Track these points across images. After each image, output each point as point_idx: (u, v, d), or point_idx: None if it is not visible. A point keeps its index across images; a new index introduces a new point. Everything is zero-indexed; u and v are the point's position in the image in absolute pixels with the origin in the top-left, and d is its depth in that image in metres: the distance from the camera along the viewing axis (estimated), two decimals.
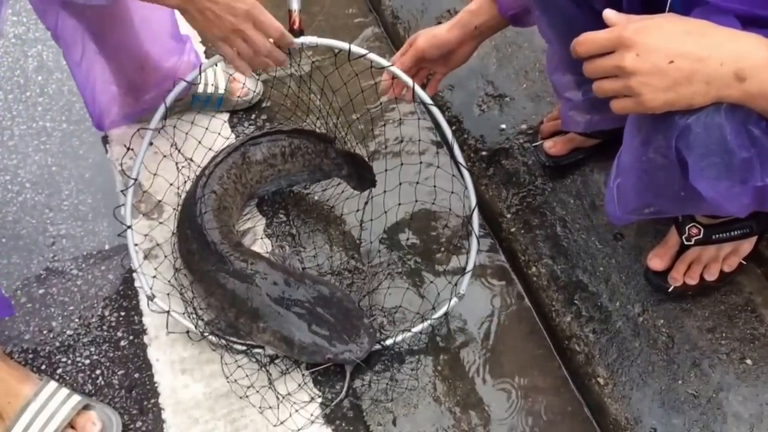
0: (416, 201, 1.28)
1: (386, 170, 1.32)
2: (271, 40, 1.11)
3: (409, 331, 1.21)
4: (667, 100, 0.78)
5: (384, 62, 1.18)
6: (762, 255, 1.20)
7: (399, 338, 1.21)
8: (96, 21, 1.26)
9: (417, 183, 1.27)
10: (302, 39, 1.15)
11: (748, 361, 1.12)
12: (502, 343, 1.26)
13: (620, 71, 0.79)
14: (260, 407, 1.16)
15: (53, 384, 1.13)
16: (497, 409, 1.19)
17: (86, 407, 1.13)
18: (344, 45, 1.16)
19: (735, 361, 1.12)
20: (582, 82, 1.14)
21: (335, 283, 1.27)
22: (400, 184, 1.31)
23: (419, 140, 1.31)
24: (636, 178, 0.94)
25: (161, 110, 1.20)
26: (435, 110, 1.17)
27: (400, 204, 1.33)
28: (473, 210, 1.19)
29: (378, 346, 1.20)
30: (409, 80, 1.16)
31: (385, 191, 1.31)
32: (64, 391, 1.13)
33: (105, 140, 1.51)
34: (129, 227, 1.23)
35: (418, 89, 1.16)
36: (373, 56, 1.17)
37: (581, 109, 1.18)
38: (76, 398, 1.13)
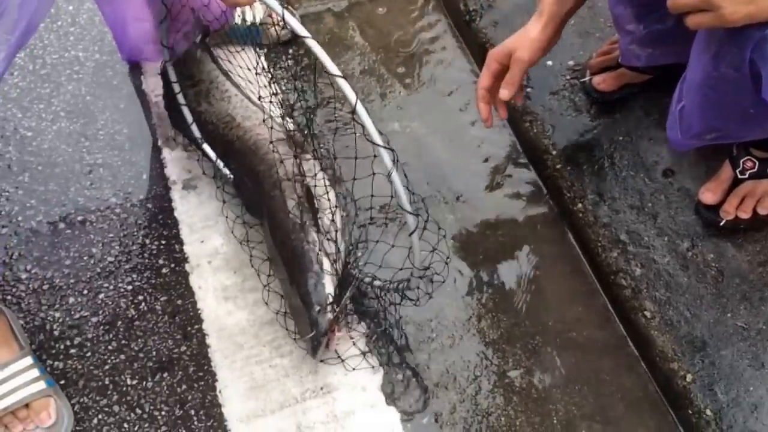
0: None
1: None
2: None
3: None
4: (748, 13, 0.77)
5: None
6: None
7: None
8: None
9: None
10: None
11: None
12: (545, 279, 1.26)
13: None
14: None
15: (28, 360, 1.09)
16: (541, 344, 1.19)
17: (48, 396, 1.08)
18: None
19: None
20: (643, 14, 1.11)
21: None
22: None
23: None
24: (702, 97, 0.92)
25: None
26: (342, 82, 0.89)
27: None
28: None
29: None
30: (278, 7, 0.91)
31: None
32: (35, 372, 1.08)
33: (139, 71, 1.49)
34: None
35: (288, 16, 0.91)
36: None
37: (642, 43, 1.15)
38: (42, 385, 1.08)
